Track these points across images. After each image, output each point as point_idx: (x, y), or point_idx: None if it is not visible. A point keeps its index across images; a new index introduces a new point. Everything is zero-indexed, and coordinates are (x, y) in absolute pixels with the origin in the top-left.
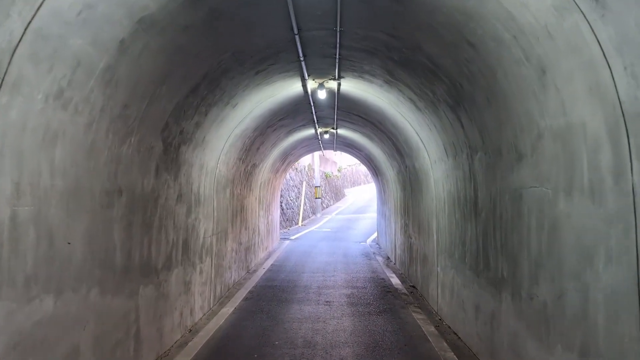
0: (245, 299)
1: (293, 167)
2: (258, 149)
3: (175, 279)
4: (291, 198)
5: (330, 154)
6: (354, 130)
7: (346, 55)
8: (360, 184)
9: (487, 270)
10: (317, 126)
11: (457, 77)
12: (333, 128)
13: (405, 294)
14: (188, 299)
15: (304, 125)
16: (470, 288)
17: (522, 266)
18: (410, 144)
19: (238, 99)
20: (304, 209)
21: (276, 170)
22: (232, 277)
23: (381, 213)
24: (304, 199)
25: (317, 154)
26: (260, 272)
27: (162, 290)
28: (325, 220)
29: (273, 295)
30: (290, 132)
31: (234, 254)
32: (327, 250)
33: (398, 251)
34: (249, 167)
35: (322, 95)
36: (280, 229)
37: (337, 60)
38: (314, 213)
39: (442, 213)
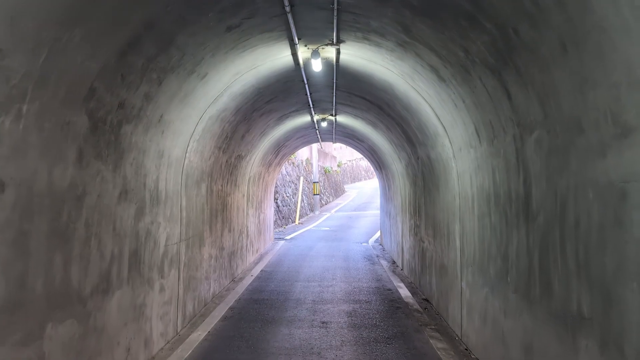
0: (224, 318)
1: (289, 161)
2: (243, 137)
3: (118, 304)
4: (287, 194)
5: (329, 147)
6: (356, 116)
7: (348, 5)
8: (360, 180)
9: (547, 298)
10: (313, 112)
11: (509, 20)
12: (331, 114)
13: (418, 310)
14: (141, 326)
15: (298, 111)
16: (517, 318)
17: (625, 303)
18: (425, 129)
19: (207, 68)
20: (301, 206)
21: (268, 164)
22: (211, 289)
23: (385, 211)
24: (302, 196)
25: (315, 147)
26: (247, 281)
27: (93, 323)
28: (324, 218)
29: (258, 313)
30: (281, 119)
31: (213, 261)
32: (326, 252)
33: (406, 256)
34: (232, 159)
35: (317, 66)
36: (275, 227)
37: (335, 13)
38: (312, 210)
39: (469, 214)
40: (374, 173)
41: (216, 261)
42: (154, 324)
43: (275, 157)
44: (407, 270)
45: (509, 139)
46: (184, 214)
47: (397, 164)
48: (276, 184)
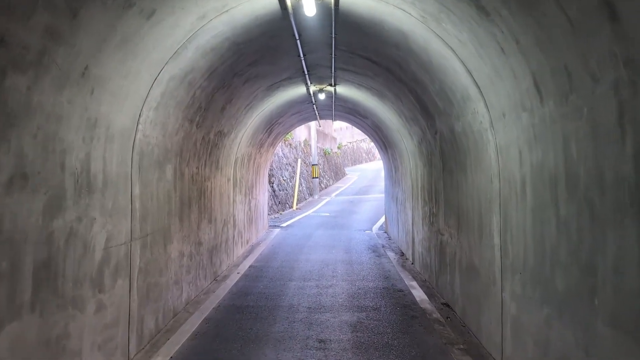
0: (195, 335)
1: (286, 142)
2: (223, 109)
3: (12, 344)
4: (284, 178)
5: (329, 128)
6: (359, 85)
7: None
8: (361, 162)
9: None
10: (308, 81)
11: None
12: (330, 84)
13: (438, 321)
14: None
15: (291, 80)
16: None
17: None
18: (450, 93)
19: (154, 1)
20: (299, 190)
21: (259, 144)
22: (184, 295)
23: (391, 195)
24: (299, 179)
25: (313, 126)
26: (232, 280)
27: None
28: (323, 202)
29: (239, 326)
30: (271, 89)
31: (185, 260)
32: (325, 242)
33: (418, 248)
34: (211, 136)
35: (309, 9)
36: (272, 213)
37: None
38: (310, 194)
39: (516, 203)
40: (376, 155)
41: (191, 260)
42: (88, 358)
43: (268, 136)
44: (420, 266)
45: (604, 89)
46: (137, 204)
47: (407, 142)
48: (271, 166)
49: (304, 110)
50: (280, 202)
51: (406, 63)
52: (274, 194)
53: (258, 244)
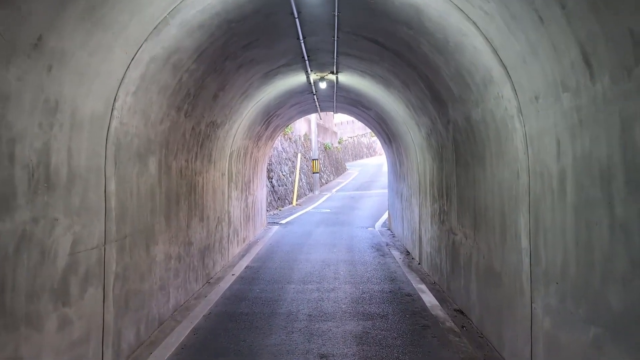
0: (181, 348)
1: (285, 136)
2: (216, 97)
3: None
4: (284, 173)
5: (329, 122)
6: (363, 72)
7: None
8: (362, 157)
9: None
10: (308, 68)
11: None
12: (332, 72)
13: (453, 331)
14: None
15: (290, 67)
16: None
17: None
18: (468, 76)
19: None
20: (299, 186)
21: (257, 137)
22: (171, 301)
23: (395, 191)
24: (299, 174)
25: (314, 119)
26: (226, 283)
27: None
28: (324, 198)
29: (231, 338)
30: (268, 76)
31: (173, 263)
32: (326, 240)
33: (426, 248)
34: (203, 127)
35: None
36: (270, 210)
37: None
38: (311, 190)
39: (551, 201)
40: (377, 150)
41: (179, 262)
42: None
43: (266, 129)
44: (428, 266)
45: None
46: (113, 202)
47: (414, 134)
48: (270, 161)
49: (304, 101)
50: (279, 198)
51: (417, 44)
52: (273, 190)
53: (255, 242)
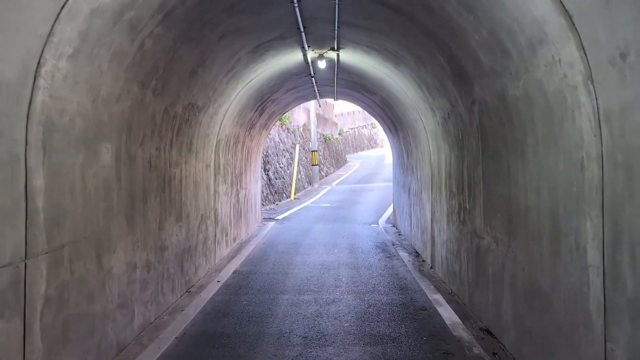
0: None
1: (283, 126)
2: (194, 73)
3: None
4: (281, 165)
5: (329, 112)
6: (369, 48)
7: None
8: (363, 149)
9: None
10: (305, 42)
11: None
12: (332, 48)
13: (482, 359)
14: None
15: (283, 40)
16: None
17: None
18: (508, 37)
19: None
20: (297, 179)
21: (250, 125)
22: (136, 321)
23: (401, 185)
24: (298, 166)
25: (313, 108)
26: (209, 292)
27: None
28: (323, 192)
29: None
30: (258, 50)
31: (139, 274)
32: (326, 238)
33: (441, 250)
34: (178, 109)
35: None
36: (266, 204)
37: None
38: (310, 183)
39: None
40: (378, 142)
41: (148, 271)
42: None
43: (260, 116)
44: (443, 272)
45: None
46: (41, 202)
47: (426, 120)
48: (267, 152)
49: (302, 85)
50: (276, 192)
51: (440, 3)
52: (269, 183)
53: (248, 241)
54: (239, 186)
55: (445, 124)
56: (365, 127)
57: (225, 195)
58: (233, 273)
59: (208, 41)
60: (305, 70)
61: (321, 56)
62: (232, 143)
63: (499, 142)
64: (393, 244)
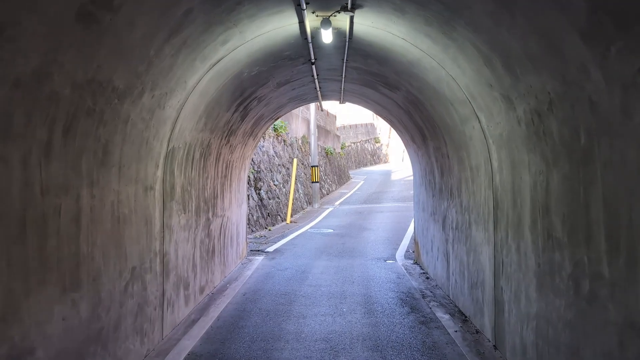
0: None
1: (279, 137)
2: (90, 18)
3: None
4: (276, 182)
5: (331, 124)
6: (402, 11)
7: None
8: (366, 165)
9: None
10: None
11: None
12: (345, 7)
13: None
14: None
15: None
16: None
17: None
18: None
19: None
20: (294, 199)
21: (227, 130)
22: None
23: (429, 212)
24: (295, 184)
25: (313, 117)
26: None
27: None
28: (325, 213)
29: None
30: (221, 3)
31: None
32: (329, 286)
33: (524, 330)
34: (66, 89)
35: None
36: (257, 230)
37: None
38: (309, 203)
39: None
40: (381, 158)
41: None
42: None
43: (242, 120)
44: None
45: None
46: None
47: (489, 117)
48: (259, 168)
49: (298, 79)
50: (269, 214)
51: None
52: (261, 204)
53: (222, 290)
54: (210, 214)
55: (538, 121)
56: (368, 142)
57: (185, 230)
58: (185, 358)
59: None
60: (302, 51)
61: (326, 21)
62: (197, 155)
63: None
64: (423, 296)
